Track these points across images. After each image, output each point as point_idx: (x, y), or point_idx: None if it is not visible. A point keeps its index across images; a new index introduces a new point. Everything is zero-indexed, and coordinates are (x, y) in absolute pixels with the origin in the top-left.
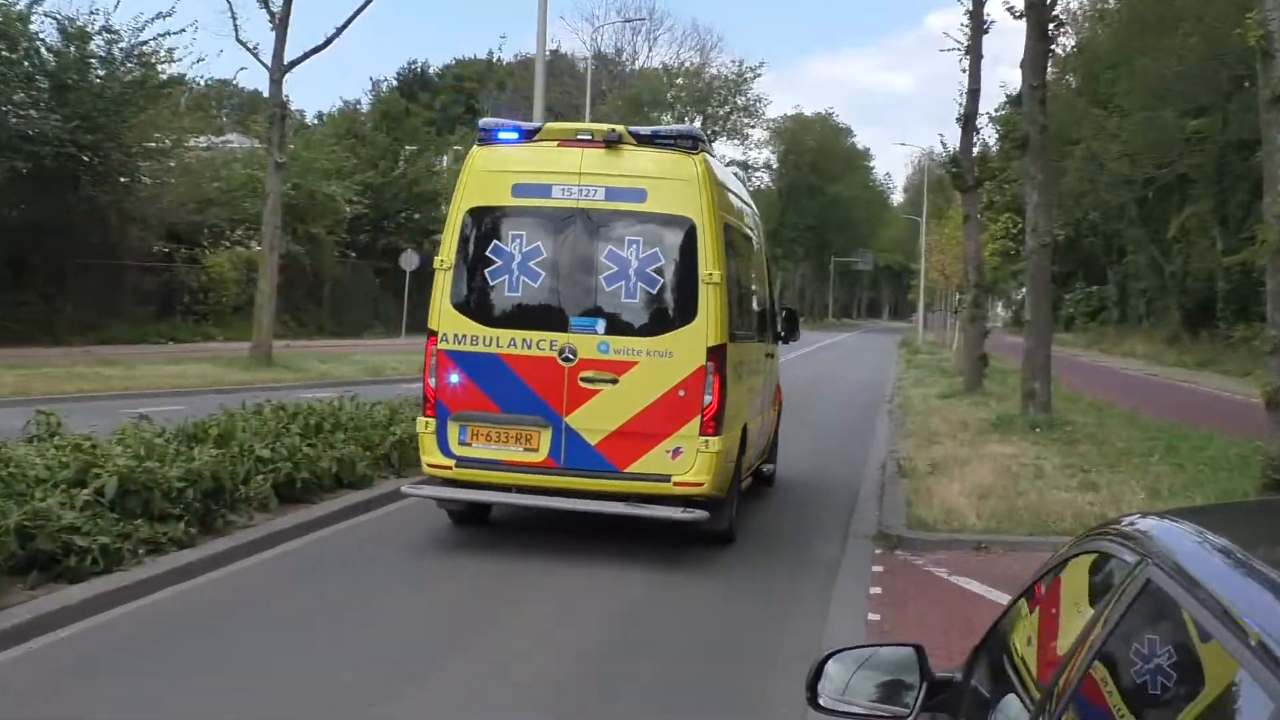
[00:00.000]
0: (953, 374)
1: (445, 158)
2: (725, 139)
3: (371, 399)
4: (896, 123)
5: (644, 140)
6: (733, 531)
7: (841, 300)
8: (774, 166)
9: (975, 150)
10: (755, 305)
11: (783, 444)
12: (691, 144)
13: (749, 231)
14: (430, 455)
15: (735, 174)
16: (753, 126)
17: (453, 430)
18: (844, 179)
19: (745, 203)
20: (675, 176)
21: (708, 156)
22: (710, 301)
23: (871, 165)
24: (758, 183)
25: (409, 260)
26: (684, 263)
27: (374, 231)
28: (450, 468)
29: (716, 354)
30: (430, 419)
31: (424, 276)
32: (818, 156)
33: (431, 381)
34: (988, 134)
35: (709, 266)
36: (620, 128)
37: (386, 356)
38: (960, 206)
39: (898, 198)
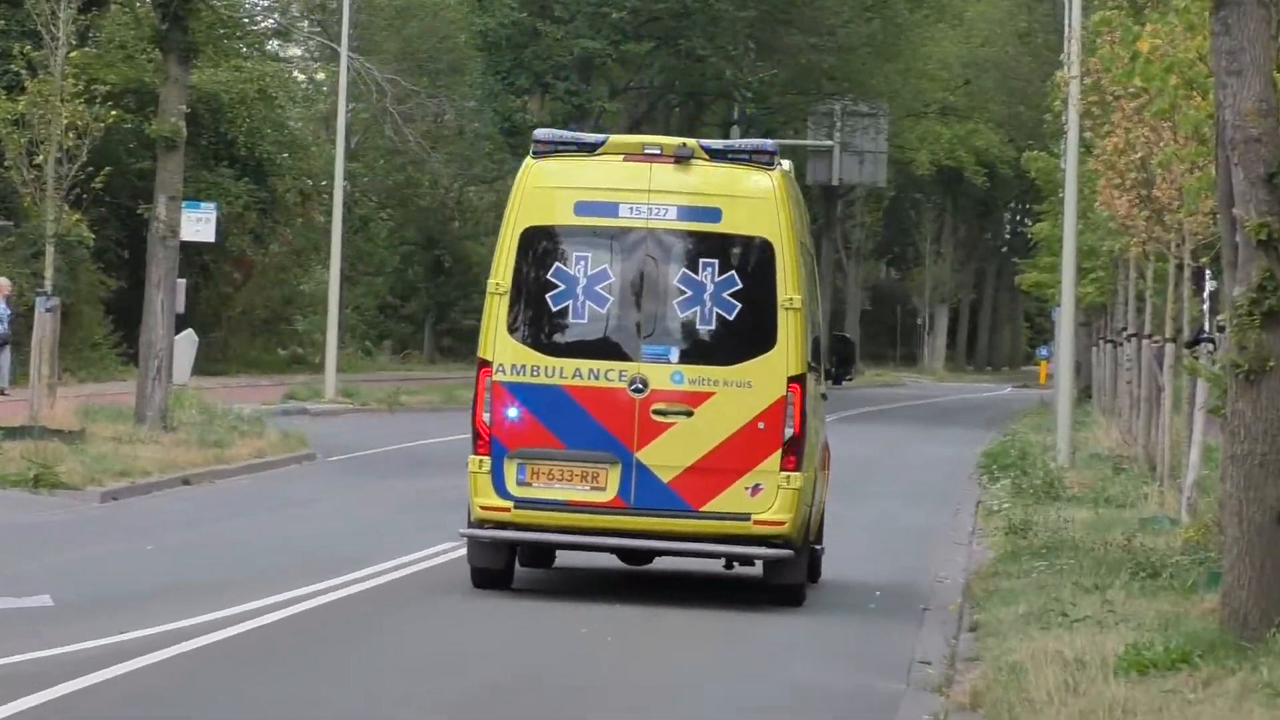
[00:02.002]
0: (1179, 573)
1: None
2: None
3: None
4: None
5: (717, 155)
6: (805, 590)
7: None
8: None
9: None
10: (813, 333)
11: None
12: (768, 159)
13: (810, 245)
14: (484, 496)
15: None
16: None
17: (510, 469)
18: None
19: (802, 206)
20: (751, 194)
21: (784, 170)
22: (790, 328)
23: None
24: None
25: None
26: (762, 286)
27: None
28: (508, 510)
29: (798, 383)
30: (484, 457)
31: None
32: None
33: (486, 416)
34: None
35: (789, 290)
36: (691, 142)
37: None
38: None
39: None
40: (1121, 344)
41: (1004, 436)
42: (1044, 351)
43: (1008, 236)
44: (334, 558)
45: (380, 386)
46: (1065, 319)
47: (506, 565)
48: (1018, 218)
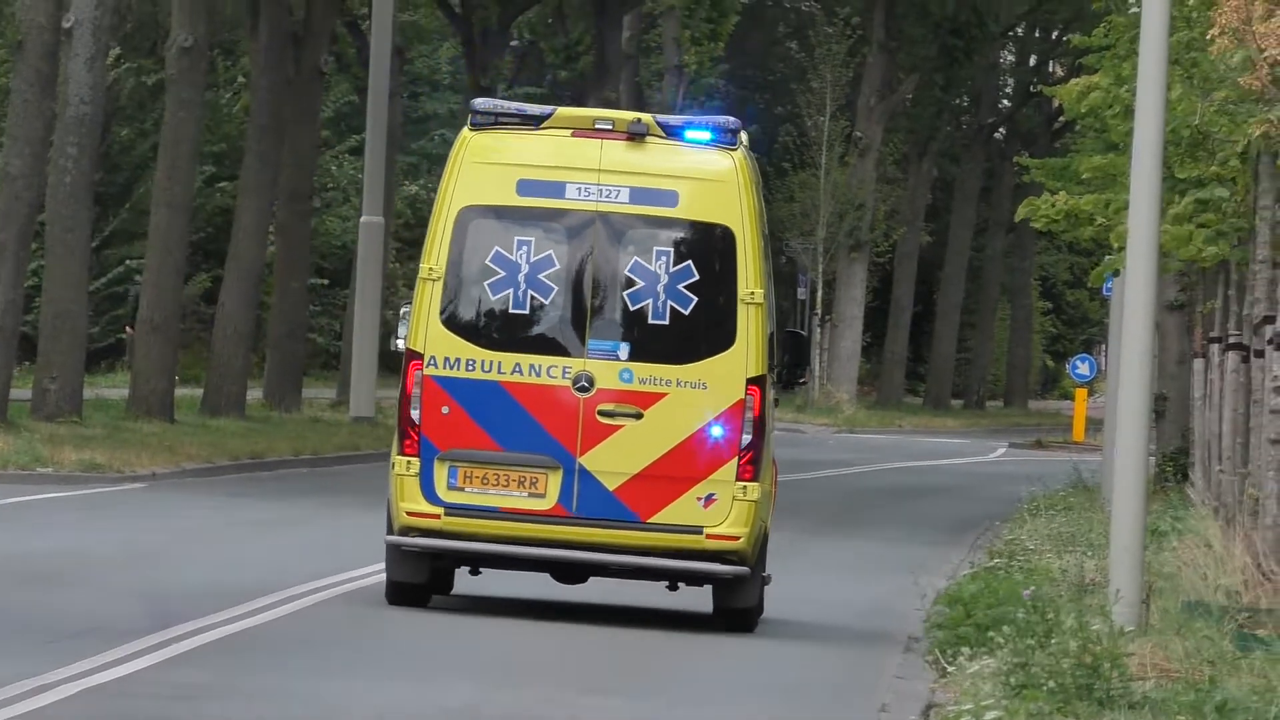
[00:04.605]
0: None
1: None
2: None
3: None
4: None
5: (673, 131)
6: (757, 617)
7: None
8: None
9: None
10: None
11: None
12: (730, 138)
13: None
14: (410, 501)
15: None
16: None
17: (440, 472)
18: None
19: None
20: (711, 177)
21: (746, 149)
22: (751, 325)
23: None
24: None
25: None
26: (721, 279)
27: None
28: (437, 517)
29: (757, 385)
30: (412, 458)
31: None
32: None
33: (414, 413)
34: None
35: (750, 284)
36: (646, 116)
37: None
38: None
39: None
40: (1265, 352)
41: (991, 558)
42: (1083, 369)
43: (1005, 107)
44: None
45: None
46: (1136, 298)
47: (428, 581)
48: (1031, 63)
